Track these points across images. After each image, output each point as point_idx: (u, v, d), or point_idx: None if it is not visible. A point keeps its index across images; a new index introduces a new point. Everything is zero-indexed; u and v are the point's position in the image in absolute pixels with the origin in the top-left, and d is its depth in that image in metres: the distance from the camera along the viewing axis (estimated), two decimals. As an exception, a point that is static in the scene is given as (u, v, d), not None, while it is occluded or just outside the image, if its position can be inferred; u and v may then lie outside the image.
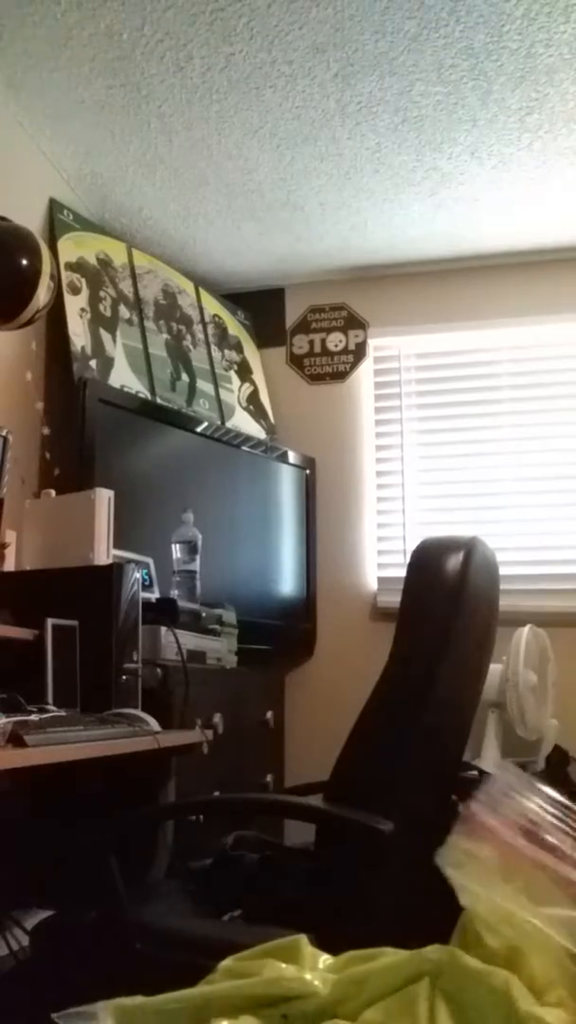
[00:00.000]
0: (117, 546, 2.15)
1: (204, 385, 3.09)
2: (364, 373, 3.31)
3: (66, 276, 2.65)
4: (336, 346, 3.33)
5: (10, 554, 2.11)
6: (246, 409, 3.23)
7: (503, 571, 1.73)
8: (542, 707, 2.63)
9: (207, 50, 2.20)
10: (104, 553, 2.09)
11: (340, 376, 3.32)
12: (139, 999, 0.61)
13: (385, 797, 1.43)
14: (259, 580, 3.03)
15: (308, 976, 0.62)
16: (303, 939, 0.66)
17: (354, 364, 3.31)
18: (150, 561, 2.41)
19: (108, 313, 2.79)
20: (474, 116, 2.43)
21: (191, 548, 2.46)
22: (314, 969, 0.65)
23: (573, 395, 3.13)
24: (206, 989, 0.62)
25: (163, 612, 2.16)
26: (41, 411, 2.57)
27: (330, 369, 3.33)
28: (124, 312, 2.86)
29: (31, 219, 2.50)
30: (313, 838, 1.51)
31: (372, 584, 3.19)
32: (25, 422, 2.49)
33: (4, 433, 2.02)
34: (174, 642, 2.08)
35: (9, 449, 2.04)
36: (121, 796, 1.76)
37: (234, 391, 3.22)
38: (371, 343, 3.30)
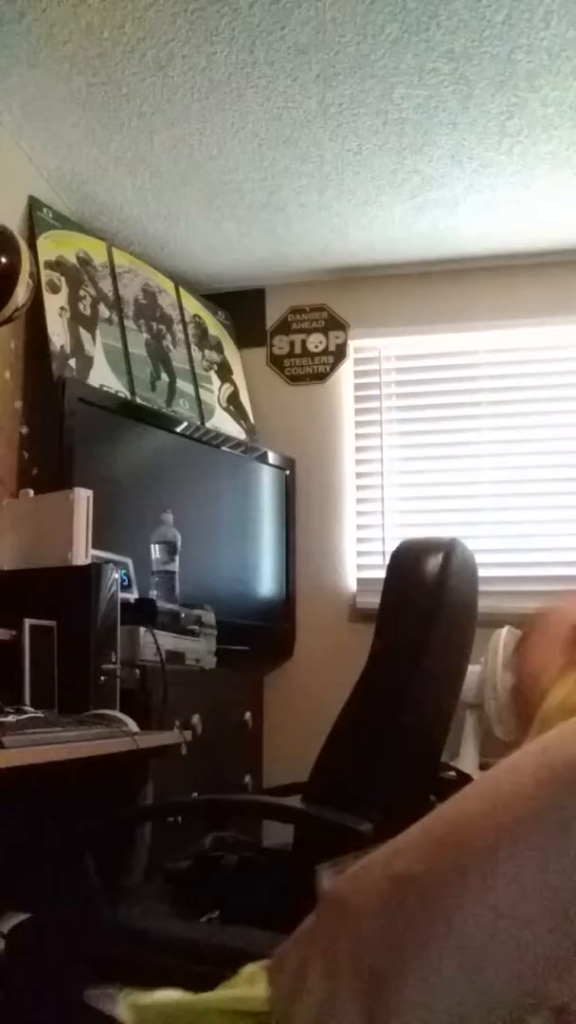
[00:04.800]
0: (96, 546, 2.14)
1: (184, 385, 3.08)
2: (344, 374, 3.31)
3: (45, 274, 2.63)
4: (316, 347, 3.34)
5: (-13, 554, 2.09)
6: (226, 409, 3.22)
7: (482, 572, 1.75)
8: (519, 708, 2.65)
9: (189, 49, 2.20)
10: (83, 553, 2.08)
11: (320, 377, 3.32)
12: (149, 997, 0.61)
13: (364, 798, 1.43)
14: (238, 581, 3.03)
15: None
16: None
17: (334, 365, 3.32)
18: (129, 561, 2.40)
19: (88, 312, 2.78)
20: (455, 120, 2.44)
21: (170, 548, 2.45)
22: None
23: (552, 398, 3.15)
24: (209, 995, 0.63)
25: (142, 613, 2.16)
26: (20, 410, 2.55)
27: (310, 370, 3.33)
28: (104, 311, 2.85)
29: (10, 217, 2.48)
30: (291, 839, 1.52)
31: (351, 585, 3.19)
32: (3, 421, 2.48)
33: (-18, 432, 2.01)
34: (153, 643, 2.08)
35: (-13, 448, 2.02)
36: (99, 797, 1.75)
37: (214, 391, 3.21)
38: (351, 344, 3.31)
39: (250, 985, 0.62)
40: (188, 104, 2.40)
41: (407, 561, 1.57)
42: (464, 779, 2.28)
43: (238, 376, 3.33)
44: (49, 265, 2.68)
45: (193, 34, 2.15)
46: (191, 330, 3.21)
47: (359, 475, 3.26)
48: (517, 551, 3.07)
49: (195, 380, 3.14)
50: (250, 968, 0.65)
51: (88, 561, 2.07)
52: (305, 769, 1.54)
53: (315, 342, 3.34)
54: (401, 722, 1.49)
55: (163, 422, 2.86)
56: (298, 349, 3.35)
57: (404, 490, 3.24)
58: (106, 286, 2.90)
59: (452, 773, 2.28)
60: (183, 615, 2.36)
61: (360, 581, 3.18)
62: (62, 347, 2.62)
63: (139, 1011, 0.61)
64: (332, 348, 3.32)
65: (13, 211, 2.58)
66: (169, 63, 2.25)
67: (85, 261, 2.84)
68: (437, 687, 1.62)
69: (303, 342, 3.35)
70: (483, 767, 2.61)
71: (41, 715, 1.61)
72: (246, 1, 2.05)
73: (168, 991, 0.63)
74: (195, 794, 2.02)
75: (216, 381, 3.24)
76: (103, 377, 2.74)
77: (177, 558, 2.45)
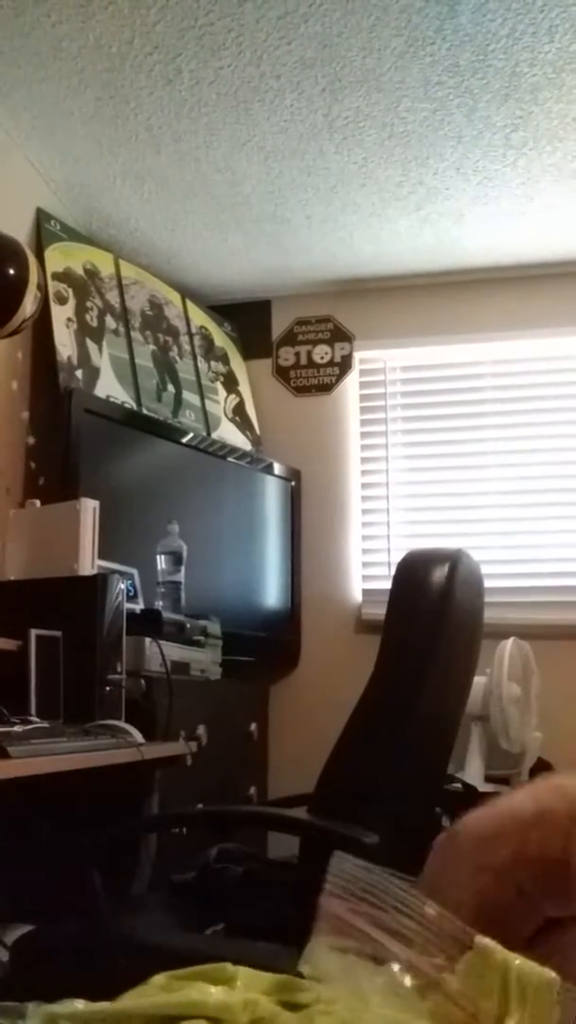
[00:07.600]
0: (102, 557, 2.15)
1: (190, 396, 3.09)
2: (350, 385, 3.32)
3: (53, 286, 2.65)
4: (322, 358, 3.34)
5: (-6, 564, 2.10)
6: (232, 420, 3.23)
7: (487, 583, 1.74)
8: (525, 720, 2.64)
9: (196, 64, 2.22)
10: (89, 564, 2.08)
11: (326, 388, 3.33)
12: (68, 1005, 0.60)
13: (369, 809, 1.42)
14: (244, 591, 3.03)
15: (232, 1001, 0.62)
16: (241, 968, 0.66)
17: (340, 376, 3.32)
18: (135, 572, 2.40)
19: (94, 323, 2.79)
20: (460, 132, 2.45)
21: (176, 559, 2.45)
22: (245, 993, 0.64)
23: (556, 408, 3.15)
24: (130, 1004, 0.62)
25: (147, 623, 2.16)
26: (26, 421, 2.56)
27: (316, 381, 3.34)
28: (111, 322, 2.86)
29: (18, 229, 2.50)
30: (297, 851, 1.51)
31: (357, 596, 3.19)
32: (10, 432, 2.49)
33: (-11, 442, 2.01)
34: (158, 653, 2.08)
35: (-6, 459, 2.03)
36: (104, 808, 1.75)
37: (220, 402, 3.22)
38: (357, 356, 3.31)
39: (164, 992, 0.62)
40: (195, 117, 2.42)
41: (413, 572, 1.57)
42: (470, 791, 2.27)
43: (244, 387, 3.34)
44: (56, 277, 2.69)
45: (200, 49, 2.16)
46: (197, 341, 3.23)
47: (364, 486, 3.26)
48: (522, 562, 3.06)
49: (201, 391, 3.15)
50: (161, 977, 0.64)
51: (94, 571, 2.07)
52: (310, 780, 1.54)
53: (321, 353, 3.34)
54: (407, 734, 1.48)
55: (169, 433, 2.87)
56: (304, 360, 3.35)
57: (409, 501, 3.24)
58: (113, 298, 2.92)
59: (458, 785, 2.28)
60: (188, 625, 2.36)
61: (365, 592, 3.17)
62: (69, 358, 2.63)
63: (54, 1019, 0.60)
64: (338, 359, 3.33)
65: (21, 223, 2.60)
66: (176, 77, 2.26)
67: (92, 273, 2.86)
68: (443, 698, 1.62)
69: (309, 353, 3.35)
70: (489, 779, 2.59)
71: (46, 725, 1.61)
72: (253, 16, 2.06)
73: (79, 1000, 0.62)
74: (200, 805, 2.02)
75: (222, 392, 3.25)
76: (109, 388, 2.75)
77: (183, 568, 2.45)
